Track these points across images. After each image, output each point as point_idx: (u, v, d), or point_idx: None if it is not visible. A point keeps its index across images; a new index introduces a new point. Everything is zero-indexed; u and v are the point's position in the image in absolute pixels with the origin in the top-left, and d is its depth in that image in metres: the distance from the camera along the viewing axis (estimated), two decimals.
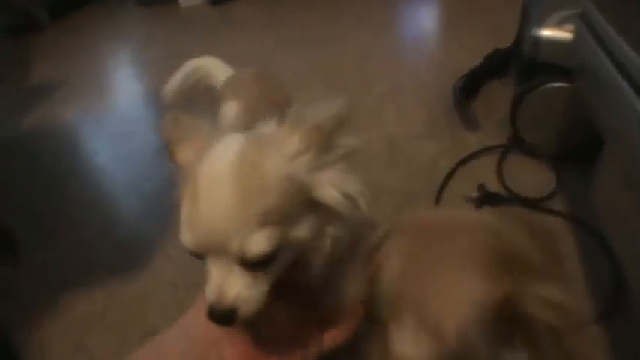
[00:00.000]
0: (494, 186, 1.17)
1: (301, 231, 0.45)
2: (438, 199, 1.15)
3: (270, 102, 0.94)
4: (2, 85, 2.32)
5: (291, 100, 0.99)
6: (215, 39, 2.51)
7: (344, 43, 2.13)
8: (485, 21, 2.13)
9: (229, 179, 0.42)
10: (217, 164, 0.43)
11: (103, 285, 1.13)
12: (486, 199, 1.11)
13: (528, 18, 1.26)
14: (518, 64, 1.30)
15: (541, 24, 1.15)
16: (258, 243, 0.41)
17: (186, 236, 0.43)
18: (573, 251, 1.00)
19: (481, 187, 1.13)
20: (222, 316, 0.43)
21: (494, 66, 1.57)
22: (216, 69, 1.16)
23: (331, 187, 0.45)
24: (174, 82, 1.20)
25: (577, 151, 1.17)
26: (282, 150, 0.44)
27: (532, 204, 1.11)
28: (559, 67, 1.10)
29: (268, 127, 0.48)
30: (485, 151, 1.28)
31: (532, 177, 1.20)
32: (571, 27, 1.05)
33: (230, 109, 0.93)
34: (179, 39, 2.63)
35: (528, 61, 1.18)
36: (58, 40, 2.91)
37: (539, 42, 1.14)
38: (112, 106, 2.04)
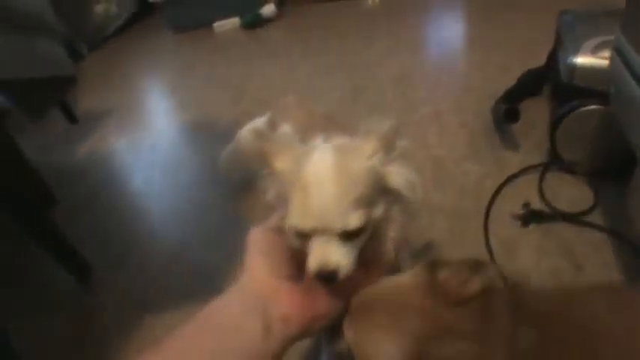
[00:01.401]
0: (536, 203, 1.25)
1: (378, 211, 0.62)
2: (486, 218, 1.23)
3: (314, 122, 1.07)
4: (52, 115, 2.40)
5: (330, 118, 1.13)
6: (254, 65, 2.61)
7: (381, 67, 2.22)
8: (512, 39, 2.22)
9: (332, 177, 0.59)
10: (320, 167, 0.60)
11: (179, 308, 1.19)
12: (531, 216, 1.20)
13: (562, 45, 1.35)
14: (555, 87, 1.39)
15: (576, 52, 1.23)
16: (354, 220, 0.58)
17: (299, 221, 0.60)
18: (612, 261, 1.08)
19: (526, 205, 1.22)
20: (328, 277, 0.59)
21: (528, 87, 1.66)
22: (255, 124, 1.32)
23: (397, 175, 0.62)
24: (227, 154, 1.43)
25: (612, 167, 1.25)
26: (362, 153, 0.61)
27: (573, 219, 1.19)
28: (594, 90, 1.18)
29: (345, 139, 0.66)
30: (527, 170, 1.37)
31: (571, 193, 1.27)
32: (604, 54, 1.14)
33: (287, 131, 1.06)
34: (217, 65, 2.73)
35: (565, 85, 1.26)
36: (98, 70, 3.03)
37: (574, 69, 1.22)
38: (155, 139, 2.11)
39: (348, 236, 0.60)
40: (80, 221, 1.58)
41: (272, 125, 1.19)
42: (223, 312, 0.56)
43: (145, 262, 1.40)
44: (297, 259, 0.61)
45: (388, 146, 0.63)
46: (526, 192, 1.29)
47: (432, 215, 1.27)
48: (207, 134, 1.98)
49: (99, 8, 3.40)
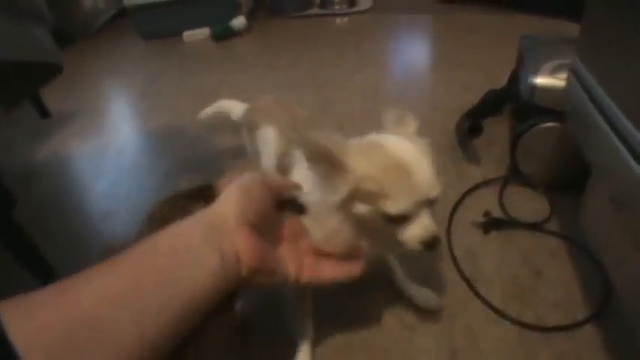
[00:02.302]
0: (497, 213, 1.32)
1: None
2: (449, 226, 1.30)
3: (296, 121, 1.15)
4: (16, 114, 2.36)
5: (312, 116, 1.19)
6: (223, 76, 2.64)
7: (348, 83, 2.28)
8: (476, 60, 2.34)
9: (422, 156, 0.71)
10: (407, 151, 0.71)
11: None
12: (492, 224, 1.27)
13: (524, 66, 1.43)
14: (516, 106, 1.48)
15: (536, 73, 1.32)
16: (441, 189, 0.71)
17: (407, 201, 0.69)
18: (567, 265, 1.16)
19: (487, 213, 1.29)
20: (434, 243, 0.72)
21: (491, 105, 1.74)
22: (234, 106, 1.49)
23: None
24: (206, 112, 1.60)
25: (568, 180, 1.33)
26: (415, 139, 0.76)
27: (532, 227, 1.27)
28: (551, 109, 1.26)
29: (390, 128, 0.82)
30: (488, 182, 1.44)
31: (530, 204, 1.35)
32: (562, 75, 1.22)
33: (269, 132, 1.13)
34: (187, 75, 2.75)
35: (525, 104, 1.35)
36: (67, 69, 2.98)
37: (534, 89, 1.31)
38: (122, 143, 2.11)
39: (431, 204, 0.73)
40: (42, 222, 1.55)
41: (251, 125, 1.24)
42: (183, 237, 0.53)
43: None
44: (268, 218, 0.62)
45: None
46: (487, 203, 1.37)
47: None
48: (175, 141, 1.99)
49: (88, 1, 3.37)
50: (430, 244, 0.72)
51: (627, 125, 0.76)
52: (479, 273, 1.16)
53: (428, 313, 1.07)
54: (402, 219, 0.71)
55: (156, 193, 1.62)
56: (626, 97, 0.80)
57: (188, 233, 0.53)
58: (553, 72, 1.29)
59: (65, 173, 1.91)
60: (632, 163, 0.73)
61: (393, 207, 0.69)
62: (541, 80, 1.30)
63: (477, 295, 1.10)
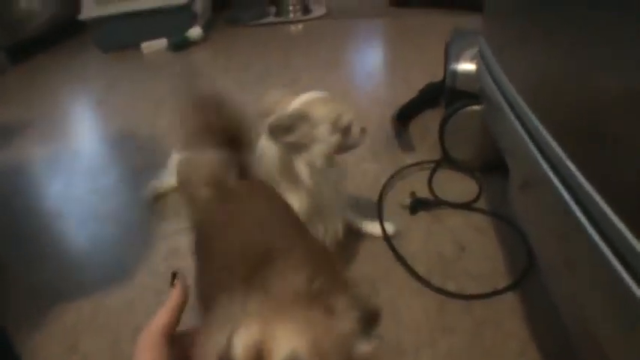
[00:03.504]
0: (426, 195, 1.38)
1: None
2: (379, 208, 1.35)
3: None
4: None
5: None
6: (177, 82, 2.65)
7: (297, 84, 2.34)
8: (421, 61, 2.41)
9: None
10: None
11: (91, 297, 1.22)
12: (418, 204, 1.32)
13: (449, 55, 1.50)
14: (445, 92, 1.54)
15: (457, 60, 1.38)
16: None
17: (349, 115, 1.06)
18: (492, 241, 1.21)
19: (412, 194, 1.34)
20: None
21: (428, 97, 1.81)
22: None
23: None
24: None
25: (496, 161, 1.39)
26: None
27: (457, 206, 1.33)
28: (473, 94, 1.33)
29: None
30: (419, 165, 1.51)
31: (460, 187, 1.41)
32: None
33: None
34: (143, 83, 2.78)
35: (450, 90, 1.41)
36: (21, 83, 3.03)
37: (455, 74, 1.37)
38: (78, 148, 2.13)
39: None
40: None
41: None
42: None
43: (60, 259, 1.41)
44: None
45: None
46: (417, 187, 1.42)
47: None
48: (129, 144, 2.02)
49: (22, 3, 3.33)
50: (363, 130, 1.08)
51: (522, 105, 0.80)
52: (405, 248, 1.21)
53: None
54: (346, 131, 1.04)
55: (108, 195, 1.66)
56: (520, 74, 0.85)
57: None
58: (473, 58, 1.35)
59: (21, 175, 1.93)
60: (531, 146, 0.75)
61: (344, 120, 1.04)
62: (462, 66, 1.36)
63: (403, 263, 1.15)
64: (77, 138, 2.26)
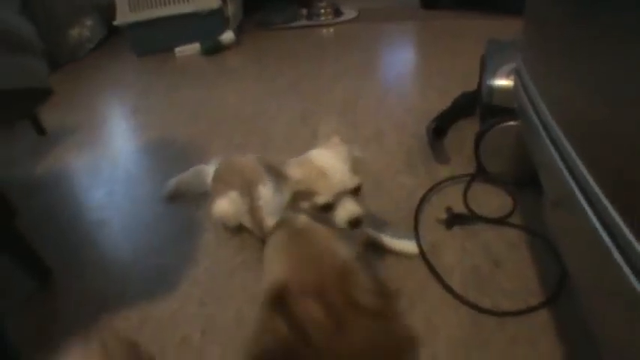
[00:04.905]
0: (462, 210, 1.39)
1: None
2: (416, 223, 1.37)
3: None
4: (17, 133, 2.48)
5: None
6: (211, 88, 2.74)
7: (330, 92, 2.37)
8: (454, 66, 2.42)
9: (338, 162, 1.04)
10: (325, 160, 1.04)
11: (136, 307, 1.26)
12: (454, 219, 1.34)
13: (485, 69, 1.51)
14: (480, 106, 1.55)
15: (494, 76, 1.40)
16: (356, 179, 1.04)
17: (329, 194, 1.00)
18: (526, 256, 1.22)
19: (448, 209, 1.36)
20: (357, 222, 1.02)
21: (462, 107, 1.82)
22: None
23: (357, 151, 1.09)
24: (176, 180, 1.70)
25: (531, 176, 1.40)
26: (336, 143, 1.09)
27: (492, 221, 1.34)
28: (509, 109, 1.33)
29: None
30: (454, 179, 1.52)
31: (494, 201, 1.42)
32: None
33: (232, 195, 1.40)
34: (178, 89, 2.84)
35: (486, 105, 1.43)
36: (63, 88, 3.06)
37: (492, 90, 1.39)
38: (116, 156, 2.19)
39: (355, 192, 1.03)
40: (41, 230, 1.63)
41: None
42: None
43: (104, 267, 1.47)
44: None
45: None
46: (453, 201, 1.43)
47: (372, 222, 1.39)
48: (166, 152, 2.08)
49: (74, 32, 3.50)
50: (354, 223, 1.02)
51: (554, 126, 0.82)
52: (440, 263, 1.23)
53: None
54: (330, 207, 1.02)
55: (148, 204, 1.71)
56: (555, 98, 0.86)
57: None
58: (509, 74, 1.36)
59: (62, 186, 1.99)
60: (561, 165, 0.77)
61: (320, 199, 1.01)
62: (498, 82, 1.38)
63: (438, 279, 1.17)
64: (115, 145, 2.33)
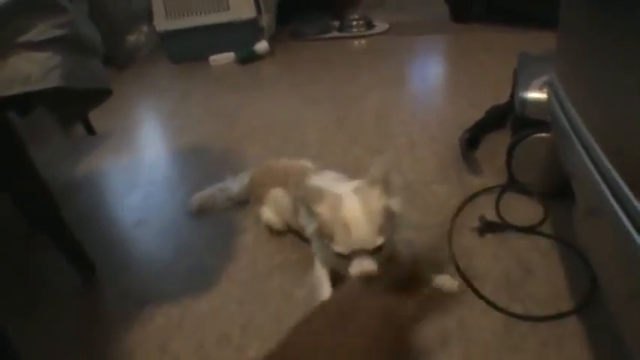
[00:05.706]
0: (493, 218, 1.43)
1: (389, 232, 1.07)
2: (450, 231, 1.40)
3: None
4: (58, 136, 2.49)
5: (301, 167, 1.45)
6: (246, 95, 2.81)
7: (364, 101, 2.42)
8: (485, 77, 2.45)
9: (363, 217, 1.03)
10: (353, 210, 1.04)
11: (176, 303, 1.31)
12: (486, 227, 1.37)
13: (518, 82, 1.55)
14: (512, 118, 1.58)
15: (527, 88, 1.43)
16: (379, 240, 1.04)
17: (345, 247, 1.04)
18: (556, 265, 1.25)
19: (481, 217, 1.40)
20: (367, 277, 1.03)
21: (494, 120, 1.86)
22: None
23: (396, 204, 1.09)
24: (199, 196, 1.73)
25: (562, 187, 1.42)
26: (375, 195, 1.07)
27: (523, 230, 1.37)
28: (541, 121, 1.36)
29: (357, 184, 1.13)
30: (487, 190, 1.55)
31: (525, 210, 1.45)
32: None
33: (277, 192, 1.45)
34: (213, 96, 2.92)
35: (518, 116, 1.46)
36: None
37: (525, 102, 1.42)
38: (154, 159, 2.27)
39: (375, 251, 1.04)
40: (83, 230, 1.64)
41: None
42: None
43: (145, 266, 1.53)
44: None
45: (388, 186, 1.08)
46: (485, 210, 1.47)
47: (406, 230, 1.42)
48: (202, 157, 2.15)
49: (132, 38, 3.63)
50: (365, 279, 1.03)
51: (589, 137, 0.85)
52: (473, 270, 1.27)
53: None
54: (346, 256, 1.05)
55: (185, 205, 1.77)
56: (589, 110, 0.90)
57: None
58: (542, 87, 1.40)
59: (101, 186, 2.08)
60: (597, 177, 0.78)
61: (337, 248, 1.05)
62: (531, 95, 1.41)
63: (469, 285, 1.21)
64: (152, 149, 2.41)
